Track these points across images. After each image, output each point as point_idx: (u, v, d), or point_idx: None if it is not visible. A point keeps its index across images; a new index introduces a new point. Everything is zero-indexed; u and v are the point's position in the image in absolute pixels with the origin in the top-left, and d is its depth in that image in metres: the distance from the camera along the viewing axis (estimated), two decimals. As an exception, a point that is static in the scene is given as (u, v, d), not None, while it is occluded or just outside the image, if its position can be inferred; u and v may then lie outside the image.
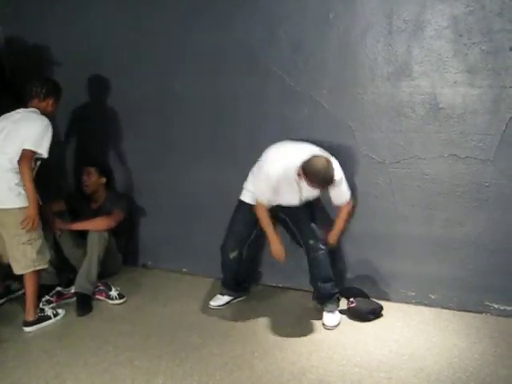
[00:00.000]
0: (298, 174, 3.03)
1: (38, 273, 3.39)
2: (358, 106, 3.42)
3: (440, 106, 3.20)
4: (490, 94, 3.08)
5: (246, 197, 3.43)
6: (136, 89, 4.08)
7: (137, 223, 4.40)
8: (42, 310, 3.48)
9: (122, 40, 4.04)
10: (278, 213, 3.40)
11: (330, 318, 3.37)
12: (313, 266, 3.39)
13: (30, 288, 3.38)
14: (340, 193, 3.26)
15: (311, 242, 3.33)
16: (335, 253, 3.59)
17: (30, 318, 3.41)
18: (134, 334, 3.31)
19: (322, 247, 3.34)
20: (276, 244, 3.32)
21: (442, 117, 3.22)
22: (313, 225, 3.37)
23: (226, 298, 3.67)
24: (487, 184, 3.20)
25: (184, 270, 4.27)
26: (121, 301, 3.77)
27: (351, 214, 3.47)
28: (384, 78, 3.32)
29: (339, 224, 3.42)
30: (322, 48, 3.42)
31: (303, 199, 3.27)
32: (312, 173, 2.95)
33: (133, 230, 4.40)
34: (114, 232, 3.93)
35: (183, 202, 4.15)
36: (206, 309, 3.63)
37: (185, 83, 3.90)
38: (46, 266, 3.44)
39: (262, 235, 3.47)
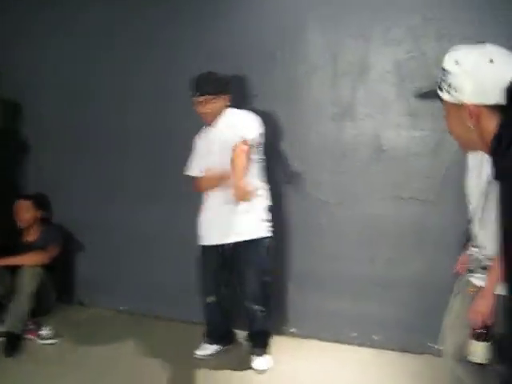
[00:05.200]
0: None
1: None
2: (303, 146, 3.43)
3: (384, 147, 3.26)
4: (431, 138, 3.16)
5: (205, 239, 3.28)
6: (85, 122, 4.00)
7: (73, 259, 4.22)
8: None
9: (71, 76, 3.97)
10: (221, 256, 3.26)
11: (261, 361, 3.29)
12: (249, 322, 3.32)
13: None
14: (243, 124, 3.09)
15: (248, 303, 3.23)
16: (276, 292, 3.55)
17: None
18: (68, 376, 3.12)
19: (259, 308, 3.23)
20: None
21: (385, 158, 3.27)
22: (254, 283, 3.19)
23: (214, 347, 3.44)
24: (429, 225, 3.25)
25: (121, 308, 4.10)
26: (53, 341, 3.57)
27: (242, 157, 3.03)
28: (329, 119, 3.36)
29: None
30: (268, 87, 3.44)
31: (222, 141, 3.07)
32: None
33: (69, 265, 4.21)
34: (48, 267, 3.73)
35: (123, 239, 4.03)
36: (143, 350, 3.47)
37: (136, 119, 3.83)
38: None
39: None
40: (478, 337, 2.11)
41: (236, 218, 3.13)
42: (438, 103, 3.03)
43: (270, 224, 3.21)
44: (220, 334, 3.47)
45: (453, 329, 2.40)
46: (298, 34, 3.34)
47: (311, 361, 3.35)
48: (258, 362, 3.28)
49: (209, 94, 3.03)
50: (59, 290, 4.01)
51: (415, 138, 3.20)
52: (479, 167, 2.18)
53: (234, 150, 3.00)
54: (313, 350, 3.49)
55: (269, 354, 3.36)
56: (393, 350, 3.42)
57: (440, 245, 3.25)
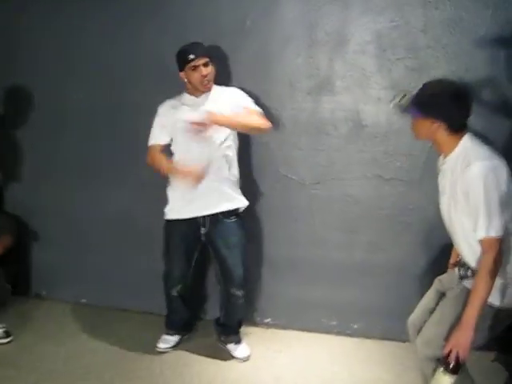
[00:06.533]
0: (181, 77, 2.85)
1: None
2: (276, 123, 3.18)
3: (363, 123, 3.05)
4: (414, 113, 2.96)
5: (172, 212, 2.99)
6: (42, 96, 3.61)
7: (29, 249, 3.89)
8: None
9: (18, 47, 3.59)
10: (201, 237, 3.00)
11: (241, 348, 3.15)
12: (229, 311, 3.13)
13: None
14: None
15: (233, 290, 3.02)
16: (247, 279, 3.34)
17: None
18: (19, 380, 2.85)
19: (243, 293, 3.05)
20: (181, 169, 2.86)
21: (365, 135, 3.06)
22: (239, 267, 2.99)
23: (176, 338, 3.24)
24: (411, 207, 3.08)
25: (83, 300, 3.81)
26: (6, 340, 3.25)
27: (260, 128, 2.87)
28: (304, 93, 3.12)
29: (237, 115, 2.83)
30: (238, 60, 3.18)
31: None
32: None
33: (24, 255, 3.89)
34: (1, 259, 3.42)
35: (81, 227, 3.72)
36: (105, 347, 3.21)
37: (101, 95, 3.49)
38: None
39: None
40: (448, 369, 1.99)
41: (215, 189, 2.89)
42: (421, 76, 2.87)
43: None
44: (182, 324, 3.30)
45: (433, 328, 2.22)
46: (270, 0, 3.07)
47: (288, 352, 3.17)
48: (241, 350, 3.14)
49: (208, 55, 2.80)
50: (14, 281, 3.72)
51: (397, 114, 2.99)
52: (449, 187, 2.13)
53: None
54: (289, 340, 3.30)
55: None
56: (374, 338, 3.26)
57: (422, 227, 3.09)
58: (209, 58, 2.81)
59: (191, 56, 2.76)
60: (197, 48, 2.80)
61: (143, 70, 3.36)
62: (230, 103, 2.86)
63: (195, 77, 2.80)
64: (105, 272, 3.73)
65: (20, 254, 3.84)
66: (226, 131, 2.87)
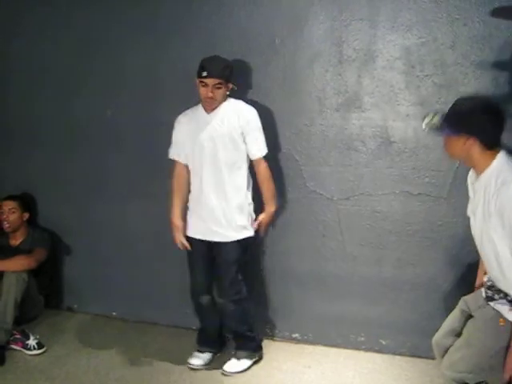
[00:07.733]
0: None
1: None
2: (305, 139, 3.22)
3: (392, 139, 3.05)
4: (443, 129, 2.96)
5: (188, 230, 3.09)
6: (70, 114, 3.72)
7: (61, 262, 3.98)
8: None
9: (55, 67, 3.70)
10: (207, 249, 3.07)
11: (233, 364, 3.13)
12: (224, 319, 3.20)
13: None
14: (255, 142, 2.95)
15: (220, 300, 3.07)
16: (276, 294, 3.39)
17: None
18: (55, 391, 2.91)
19: (231, 307, 3.05)
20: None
21: (393, 151, 3.07)
22: (229, 279, 3.01)
23: (208, 356, 3.22)
24: (440, 223, 3.06)
25: (113, 313, 3.87)
26: (40, 351, 3.33)
27: (269, 177, 3.03)
28: (333, 110, 3.14)
29: (266, 197, 3.03)
30: (267, 76, 3.22)
31: (215, 133, 2.90)
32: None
33: (57, 269, 3.97)
34: (35, 272, 3.50)
35: (113, 241, 3.79)
36: (136, 360, 3.25)
37: (125, 112, 3.57)
38: None
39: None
40: None
41: (223, 216, 2.96)
42: (449, 92, 2.87)
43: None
44: (213, 340, 3.28)
45: (460, 351, 2.21)
46: (298, 18, 3.11)
47: (316, 368, 3.15)
48: (232, 364, 3.13)
49: (221, 77, 2.79)
50: (47, 295, 3.80)
51: (427, 132, 2.99)
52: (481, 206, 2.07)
53: (259, 173, 3.01)
54: (317, 356, 3.29)
55: (250, 359, 3.18)
56: (403, 355, 3.24)
57: (452, 244, 3.06)
58: (223, 80, 2.81)
59: (204, 73, 2.77)
60: (213, 66, 2.79)
61: (168, 84, 3.42)
62: (238, 125, 2.90)
63: (201, 92, 2.83)
64: (135, 286, 3.78)
65: (53, 268, 3.91)
66: (237, 154, 2.94)
